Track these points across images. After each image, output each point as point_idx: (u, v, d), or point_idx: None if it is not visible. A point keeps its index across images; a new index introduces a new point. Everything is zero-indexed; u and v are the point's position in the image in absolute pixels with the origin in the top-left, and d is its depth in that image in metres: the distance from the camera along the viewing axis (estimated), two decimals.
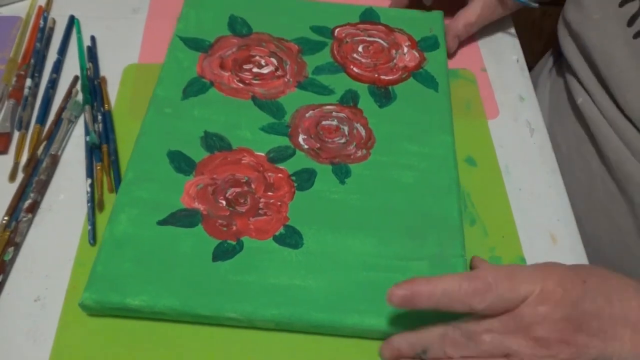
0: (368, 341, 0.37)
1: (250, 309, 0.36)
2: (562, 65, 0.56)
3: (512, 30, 0.57)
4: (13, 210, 0.41)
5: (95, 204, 0.42)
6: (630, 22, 0.45)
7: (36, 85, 0.49)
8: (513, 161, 0.47)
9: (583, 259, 0.42)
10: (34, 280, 0.39)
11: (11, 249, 0.39)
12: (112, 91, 0.49)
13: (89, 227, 0.40)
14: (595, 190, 0.50)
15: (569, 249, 0.43)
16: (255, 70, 0.49)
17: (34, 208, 0.41)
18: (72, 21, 0.54)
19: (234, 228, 0.39)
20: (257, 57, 0.50)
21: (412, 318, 0.36)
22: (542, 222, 0.44)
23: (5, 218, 0.41)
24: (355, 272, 0.38)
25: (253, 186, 0.42)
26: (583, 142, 0.51)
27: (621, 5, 0.46)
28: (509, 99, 0.51)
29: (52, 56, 0.51)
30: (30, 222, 0.41)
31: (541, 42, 0.91)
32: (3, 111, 0.47)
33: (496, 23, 0.56)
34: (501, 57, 0.54)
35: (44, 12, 0.54)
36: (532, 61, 0.59)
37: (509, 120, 0.50)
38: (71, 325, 0.37)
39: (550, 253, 0.42)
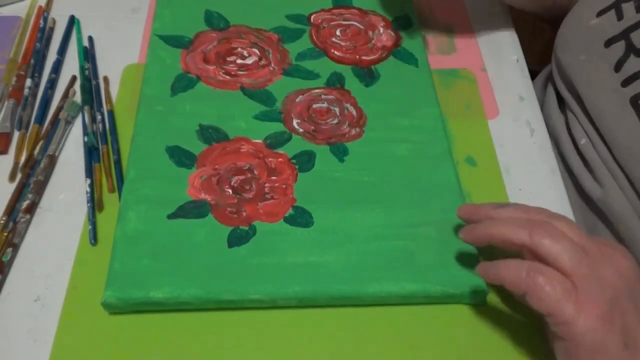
0: (387, 308, 0.39)
1: (273, 289, 0.37)
2: (561, 100, 0.52)
3: (512, 30, 0.57)
4: (11, 211, 0.41)
5: (95, 204, 0.42)
6: (617, 67, 0.43)
7: (36, 85, 0.49)
8: (513, 161, 0.47)
9: None
10: (34, 280, 0.39)
11: (9, 250, 0.39)
12: (112, 91, 0.49)
13: (90, 227, 0.40)
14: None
15: None
16: (239, 61, 0.49)
17: (31, 209, 0.41)
18: (72, 21, 0.54)
19: (244, 214, 0.40)
20: (239, 49, 0.50)
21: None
22: None
23: (4, 218, 0.40)
24: (368, 243, 0.40)
25: (256, 172, 0.42)
26: None
27: (607, 45, 0.44)
28: (509, 99, 0.51)
29: (52, 56, 0.51)
30: (28, 223, 0.41)
31: (541, 42, 0.91)
32: (3, 111, 0.47)
33: (496, 23, 0.56)
34: (501, 57, 0.55)
35: (44, 12, 0.54)
36: (532, 61, 0.59)
37: (509, 120, 0.50)
38: (71, 325, 0.37)
39: None
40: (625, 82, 0.42)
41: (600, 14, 0.45)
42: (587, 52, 0.46)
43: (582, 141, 0.46)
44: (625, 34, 0.42)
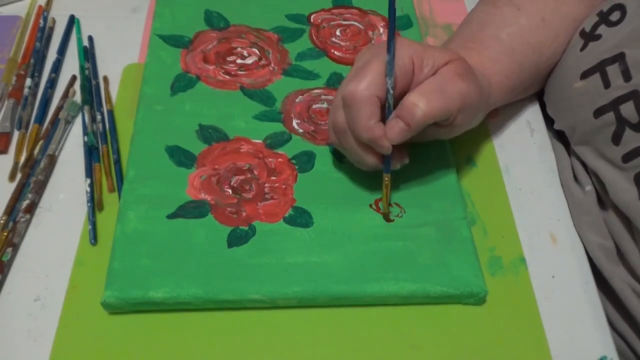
0: (386, 308, 0.39)
1: (272, 289, 0.37)
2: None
3: None
4: (11, 211, 0.41)
5: (94, 204, 0.42)
6: (615, 139, 0.41)
7: (36, 85, 0.49)
8: (513, 161, 0.47)
9: (583, 259, 0.42)
10: (34, 280, 0.39)
11: (9, 250, 0.39)
12: (112, 91, 0.49)
13: (90, 227, 0.40)
14: None
15: (569, 249, 0.43)
16: (239, 61, 0.49)
17: (31, 209, 0.41)
18: (72, 21, 0.54)
19: (244, 214, 0.40)
20: (239, 49, 0.50)
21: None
22: (542, 222, 0.44)
23: (4, 218, 0.40)
24: (368, 244, 0.40)
25: (256, 172, 0.42)
26: None
27: (596, 115, 0.42)
28: None
29: (52, 55, 0.51)
30: (28, 223, 0.41)
31: None
32: (3, 111, 0.47)
33: None
34: None
35: (44, 11, 0.54)
36: None
37: (509, 120, 0.50)
38: (71, 325, 0.37)
39: (550, 253, 0.42)
40: (627, 158, 0.40)
41: (584, 75, 0.43)
42: (577, 119, 0.44)
43: (587, 188, 0.45)
44: (614, 106, 0.40)
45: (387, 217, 0.41)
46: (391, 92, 0.37)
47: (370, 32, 0.53)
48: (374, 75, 0.37)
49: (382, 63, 0.37)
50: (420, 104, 0.36)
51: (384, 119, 0.38)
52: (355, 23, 0.54)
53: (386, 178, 0.40)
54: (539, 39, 0.45)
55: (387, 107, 0.38)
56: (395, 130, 0.37)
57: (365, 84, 0.37)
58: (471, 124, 0.43)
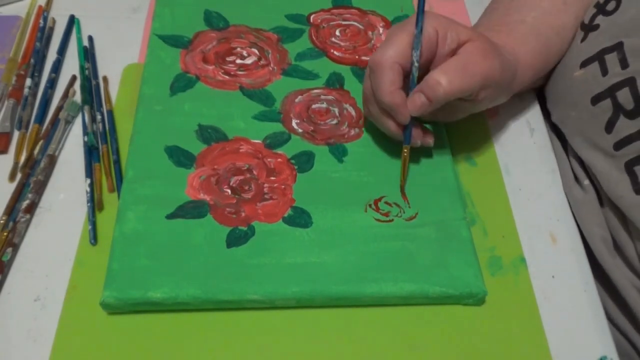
0: (386, 308, 0.39)
1: (271, 289, 0.37)
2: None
3: None
4: (11, 211, 0.41)
5: (95, 204, 0.42)
6: (608, 127, 0.42)
7: (36, 85, 0.49)
8: (513, 161, 0.47)
9: (583, 259, 0.42)
10: (34, 280, 0.39)
11: (9, 250, 0.39)
12: (112, 91, 0.49)
13: (90, 227, 0.40)
14: None
15: (569, 249, 0.43)
16: (238, 61, 0.49)
17: (31, 209, 0.41)
18: (72, 21, 0.54)
19: (243, 214, 0.40)
20: (239, 49, 0.50)
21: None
22: (542, 222, 0.44)
23: (4, 218, 0.41)
24: (367, 244, 0.40)
25: (255, 173, 0.42)
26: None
27: (593, 103, 0.43)
28: (509, 99, 0.51)
29: (52, 56, 0.51)
30: (28, 223, 0.41)
31: None
32: (3, 111, 0.47)
33: None
34: None
35: (44, 11, 0.54)
36: None
37: (509, 120, 0.50)
38: (71, 325, 0.37)
39: (550, 253, 0.42)
40: (618, 145, 0.41)
41: (584, 64, 0.44)
42: (575, 108, 0.45)
43: (585, 182, 0.45)
44: (611, 92, 0.41)
45: (402, 191, 0.42)
46: (416, 64, 0.39)
47: (370, 32, 0.53)
48: (399, 45, 0.39)
49: (408, 35, 0.39)
50: (443, 82, 0.38)
51: (407, 89, 0.40)
52: (355, 23, 0.54)
53: (405, 150, 0.42)
54: (562, 22, 0.46)
55: (411, 79, 0.40)
56: (416, 104, 0.39)
57: (390, 51, 0.39)
58: (497, 101, 0.44)
